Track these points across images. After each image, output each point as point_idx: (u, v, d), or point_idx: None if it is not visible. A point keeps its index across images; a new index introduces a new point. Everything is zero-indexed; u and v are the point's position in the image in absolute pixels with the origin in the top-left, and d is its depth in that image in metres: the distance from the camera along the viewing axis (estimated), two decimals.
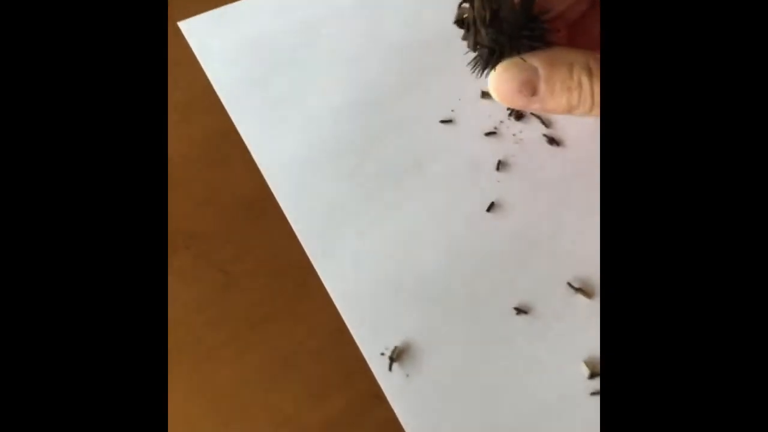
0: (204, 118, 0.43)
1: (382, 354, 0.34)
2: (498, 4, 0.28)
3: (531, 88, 0.29)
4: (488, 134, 0.42)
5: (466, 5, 0.29)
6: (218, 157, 0.42)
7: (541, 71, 0.29)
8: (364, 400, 0.33)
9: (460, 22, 0.29)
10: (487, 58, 0.30)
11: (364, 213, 0.39)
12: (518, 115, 0.42)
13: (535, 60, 0.29)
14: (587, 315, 0.35)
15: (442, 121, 0.42)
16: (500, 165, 0.40)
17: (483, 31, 0.29)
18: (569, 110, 0.30)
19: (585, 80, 0.28)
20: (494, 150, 0.41)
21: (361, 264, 0.37)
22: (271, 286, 0.37)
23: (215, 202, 0.40)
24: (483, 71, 0.30)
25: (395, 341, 0.34)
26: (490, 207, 0.39)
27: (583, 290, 0.35)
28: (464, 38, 0.30)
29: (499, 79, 0.30)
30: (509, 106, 0.36)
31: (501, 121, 0.42)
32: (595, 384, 0.33)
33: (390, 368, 0.33)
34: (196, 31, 0.47)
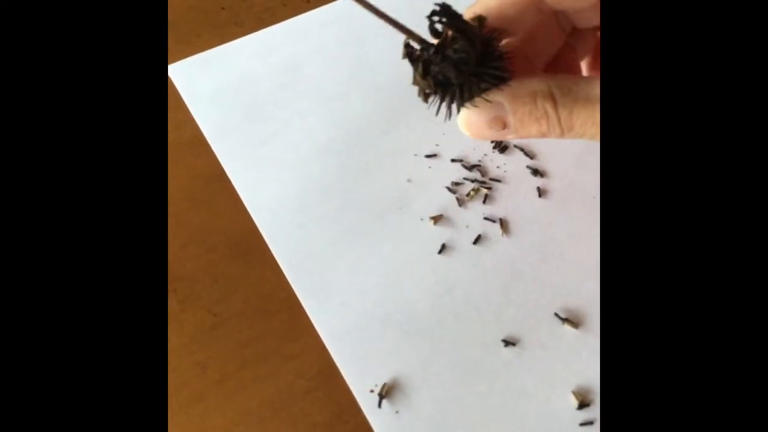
0: (191, 160, 0.44)
1: (371, 391, 0.34)
2: (443, 42, 0.28)
3: (500, 123, 0.30)
4: (473, 167, 0.42)
5: (414, 45, 0.29)
6: (205, 198, 0.42)
7: (507, 106, 0.29)
8: None
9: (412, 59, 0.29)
10: (444, 98, 0.30)
11: (351, 250, 0.39)
12: (502, 147, 0.43)
13: (499, 95, 0.29)
14: (574, 345, 0.35)
15: (427, 156, 0.43)
16: (486, 199, 0.41)
17: (431, 71, 0.29)
18: (543, 136, 0.30)
19: (550, 109, 0.29)
20: (479, 183, 0.41)
21: (349, 301, 0.37)
22: (259, 327, 0.37)
23: (202, 243, 0.40)
24: (448, 112, 0.30)
25: (384, 378, 0.34)
26: (476, 240, 0.39)
27: (570, 320, 0.36)
28: (414, 83, 0.29)
29: (468, 120, 0.30)
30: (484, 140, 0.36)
31: (485, 154, 0.43)
32: (584, 414, 0.33)
33: (379, 405, 0.33)
34: (183, 75, 0.48)
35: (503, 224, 0.40)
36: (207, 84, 0.48)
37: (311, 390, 0.35)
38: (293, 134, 0.45)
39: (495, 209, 0.40)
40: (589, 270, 0.37)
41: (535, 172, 0.42)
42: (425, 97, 0.30)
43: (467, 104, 0.30)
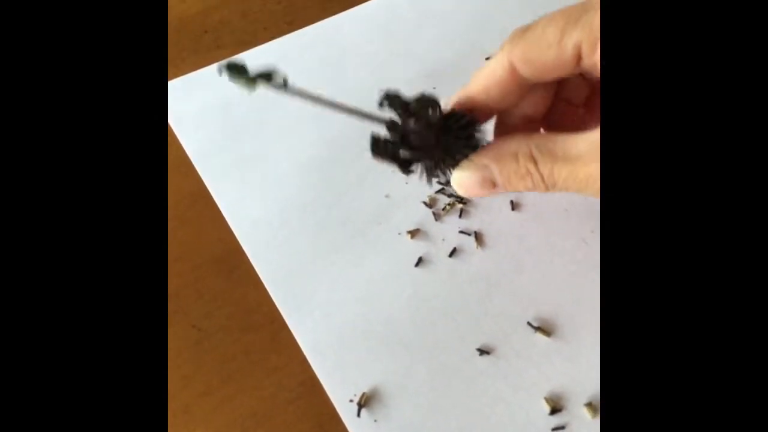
0: (176, 179, 0.45)
1: (351, 401, 0.35)
2: (405, 126, 0.32)
3: (490, 184, 0.32)
4: (448, 183, 0.43)
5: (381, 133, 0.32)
6: (189, 216, 0.43)
7: (493, 167, 0.31)
8: None
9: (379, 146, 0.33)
10: (427, 169, 0.33)
11: (331, 265, 0.40)
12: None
13: (483, 158, 0.31)
14: (547, 353, 0.36)
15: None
16: (462, 213, 0.42)
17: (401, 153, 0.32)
18: (532, 191, 0.31)
19: (532, 168, 0.30)
20: (455, 198, 0.43)
21: (329, 315, 0.38)
22: (242, 341, 0.38)
23: (187, 260, 0.41)
24: (430, 179, 0.33)
25: (363, 387, 0.35)
26: (452, 253, 0.40)
27: (542, 329, 0.37)
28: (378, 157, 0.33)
29: (460, 183, 0.32)
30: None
31: None
32: (556, 420, 0.34)
33: (359, 414, 0.35)
34: (167, 96, 0.50)
35: (478, 237, 0.41)
36: (190, 105, 0.49)
37: (294, 401, 0.36)
38: (275, 153, 0.46)
39: (470, 223, 0.42)
40: (561, 280, 0.39)
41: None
42: (406, 172, 0.33)
43: (452, 169, 0.32)
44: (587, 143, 0.28)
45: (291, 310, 0.39)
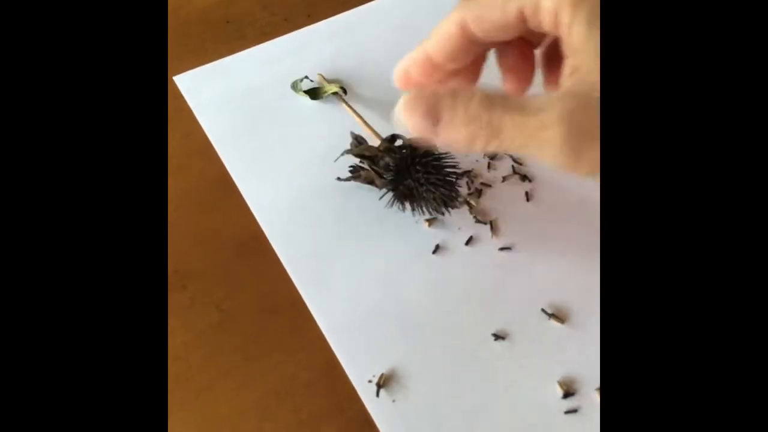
0: (199, 165, 0.46)
1: (370, 381, 0.36)
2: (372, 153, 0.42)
3: (434, 117, 0.29)
4: (465, 173, 0.45)
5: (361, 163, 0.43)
6: (212, 201, 0.44)
7: (445, 99, 0.29)
8: (354, 428, 0.35)
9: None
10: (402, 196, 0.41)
11: (350, 251, 0.41)
12: (492, 155, 0.46)
13: (440, 89, 0.30)
14: (560, 339, 0.37)
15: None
16: (478, 202, 0.43)
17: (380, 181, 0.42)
18: (470, 143, 0.29)
19: (482, 111, 0.28)
20: (471, 187, 0.44)
21: (349, 298, 0.39)
22: (264, 323, 0.39)
23: (210, 245, 0.42)
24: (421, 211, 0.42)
25: (381, 369, 0.37)
26: (468, 241, 0.41)
27: (556, 316, 0.38)
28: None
29: (406, 105, 0.30)
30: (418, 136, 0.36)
31: (476, 161, 0.45)
32: (569, 403, 0.35)
33: (377, 394, 0.36)
34: (190, 85, 0.51)
35: (493, 226, 0.42)
36: (213, 93, 0.50)
37: (313, 381, 0.37)
38: (295, 141, 0.47)
39: (486, 212, 0.43)
40: (574, 270, 0.40)
41: (524, 177, 0.44)
42: (401, 204, 0.42)
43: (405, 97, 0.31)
44: (543, 97, 0.27)
45: (311, 293, 0.40)
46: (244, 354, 0.38)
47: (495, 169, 0.45)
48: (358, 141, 0.44)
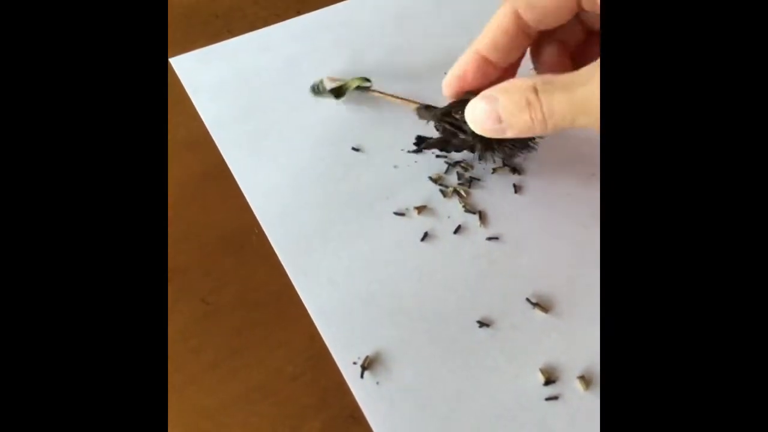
0: (185, 158, 0.46)
1: (354, 363, 0.37)
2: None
3: (496, 117, 0.35)
4: (456, 163, 0.45)
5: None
6: (199, 195, 0.45)
7: (499, 98, 0.35)
8: (340, 421, 0.35)
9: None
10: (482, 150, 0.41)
11: (340, 235, 0.42)
12: (485, 145, 0.46)
13: (493, 90, 0.35)
14: (544, 328, 0.38)
15: (411, 151, 0.46)
16: (467, 192, 0.44)
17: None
18: (530, 130, 0.34)
19: (533, 97, 0.33)
20: (462, 177, 0.44)
21: (336, 281, 0.40)
22: (249, 316, 0.39)
23: (195, 238, 0.42)
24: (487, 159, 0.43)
25: (366, 351, 0.37)
26: (457, 230, 0.42)
27: (540, 305, 0.38)
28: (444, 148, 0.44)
29: (472, 114, 0.37)
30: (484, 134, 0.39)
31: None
32: (550, 390, 0.36)
33: (362, 376, 0.36)
34: (186, 68, 0.51)
35: (482, 216, 0.43)
36: (209, 77, 0.50)
37: (298, 375, 0.37)
38: (289, 126, 0.47)
39: (475, 202, 0.43)
40: (560, 261, 0.40)
41: (514, 170, 0.45)
42: (491, 153, 0.42)
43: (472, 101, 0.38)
44: (585, 69, 0.31)
45: (299, 275, 0.40)
46: (229, 348, 0.38)
47: (485, 160, 0.45)
48: (420, 139, 0.45)
